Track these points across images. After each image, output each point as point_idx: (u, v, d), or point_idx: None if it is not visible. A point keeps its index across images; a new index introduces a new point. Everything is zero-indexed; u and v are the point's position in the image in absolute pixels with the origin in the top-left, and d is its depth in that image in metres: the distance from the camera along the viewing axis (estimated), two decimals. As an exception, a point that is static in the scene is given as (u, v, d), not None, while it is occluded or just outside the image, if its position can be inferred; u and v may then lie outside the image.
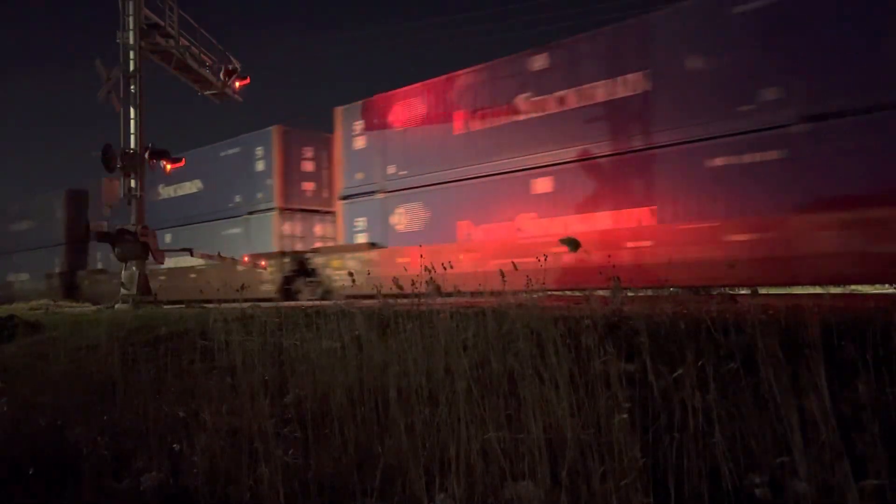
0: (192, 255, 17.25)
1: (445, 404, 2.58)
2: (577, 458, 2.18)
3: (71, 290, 22.26)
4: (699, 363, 2.49)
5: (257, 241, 17.04)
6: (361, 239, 14.81)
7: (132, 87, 14.59)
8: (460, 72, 13.47)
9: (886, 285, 10.14)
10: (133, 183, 14.64)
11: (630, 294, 4.85)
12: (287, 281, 15.56)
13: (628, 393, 2.47)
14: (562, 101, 11.69)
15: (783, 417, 2.18)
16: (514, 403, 2.55)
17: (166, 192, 18.63)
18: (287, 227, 17.45)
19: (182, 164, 15.85)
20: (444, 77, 13.61)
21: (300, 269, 15.61)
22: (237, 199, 18.09)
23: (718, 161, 9.72)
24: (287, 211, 17.32)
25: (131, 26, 14.64)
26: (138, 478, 3.07)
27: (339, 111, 15.75)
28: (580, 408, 2.37)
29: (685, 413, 2.33)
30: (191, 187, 18.34)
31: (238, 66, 17.22)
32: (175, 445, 3.26)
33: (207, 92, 17.06)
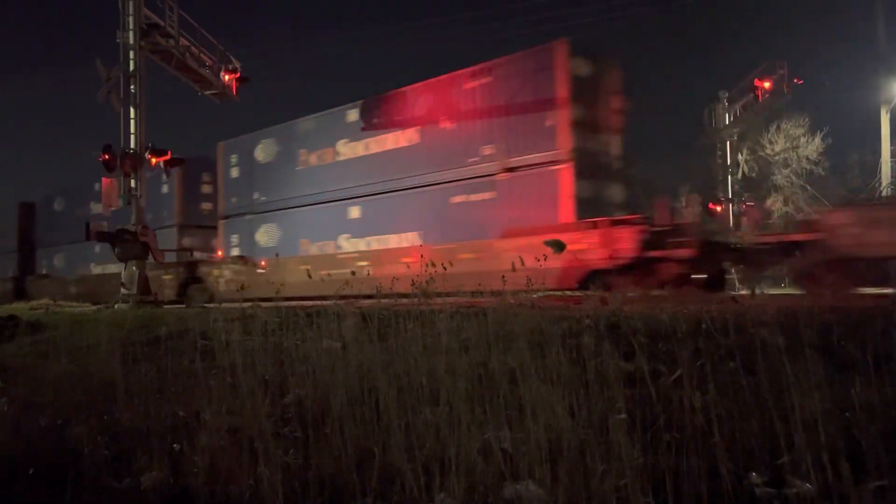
0: (191, 255, 17.32)
1: (445, 404, 2.58)
2: (577, 458, 2.18)
3: (20, 292, 23.39)
4: (699, 363, 2.50)
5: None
6: (236, 252, 18.12)
7: (132, 87, 14.61)
8: (300, 119, 17.26)
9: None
10: (133, 183, 14.64)
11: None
12: (183, 286, 16.90)
13: (628, 393, 2.47)
14: (367, 146, 15.25)
15: (783, 417, 2.18)
16: (514, 403, 2.55)
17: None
18: (187, 241, 19.44)
19: (182, 164, 15.87)
20: (288, 122, 17.49)
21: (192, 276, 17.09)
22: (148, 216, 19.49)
23: (456, 199, 13.33)
24: (186, 227, 20.45)
25: (131, 26, 14.67)
26: (138, 477, 3.07)
27: (220, 146, 19.39)
28: (580, 408, 2.37)
29: (685, 413, 2.33)
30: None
31: (238, 65, 17.24)
32: (175, 445, 3.26)
33: (207, 92, 17.09)
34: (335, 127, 15.80)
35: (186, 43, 15.92)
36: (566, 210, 11.77)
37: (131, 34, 14.66)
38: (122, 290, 14.64)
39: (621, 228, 10.70)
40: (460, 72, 13.62)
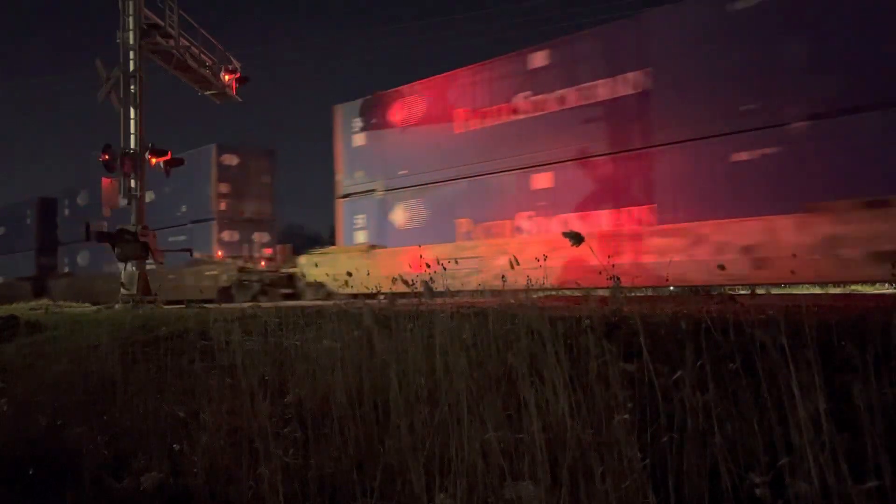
0: (191, 255, 17.30)
1: (445, 404, 2.58)
2: (577, 458, 2.18)
3: (41, 292, 23.19)
4: (699, 363, 2.50)
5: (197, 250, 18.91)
6: (362, 237, 14.84)
7: (132, 87, 14.61)
8: (458, 70, 13.68)
9: (886, 285, 10.20)
10: (133, 183, 14.65)
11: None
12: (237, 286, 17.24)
13: (628, 393, 2.47)
14: (562, 99, 11.76)
15: (783, 417, 2.18)
16: (514, 403, 2.55)
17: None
18: (226, 235, 18.99)
19: (182, 164, 15.87)
20: (440, 75, 13.86)
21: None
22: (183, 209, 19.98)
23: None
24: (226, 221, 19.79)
25: (131, 26, 14.67)
26: (138, 477, 3.07)
27: (338, 109, 15.72)
28: (580, 408, 2.37)
29: (685, 413, 2.33)
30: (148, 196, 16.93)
31: (238, 66, 17.25)
32: (175, 445, 3.26)
33: (207, 92, 17.11)
34: (512, 77, 12.10)
35: (186, 43, 15.92)
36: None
37: (131, 34, 14.67)
38: (122, 291, 14.64)
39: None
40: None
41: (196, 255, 17.91)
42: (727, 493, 2.14)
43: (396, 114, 14.37)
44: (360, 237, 14.81)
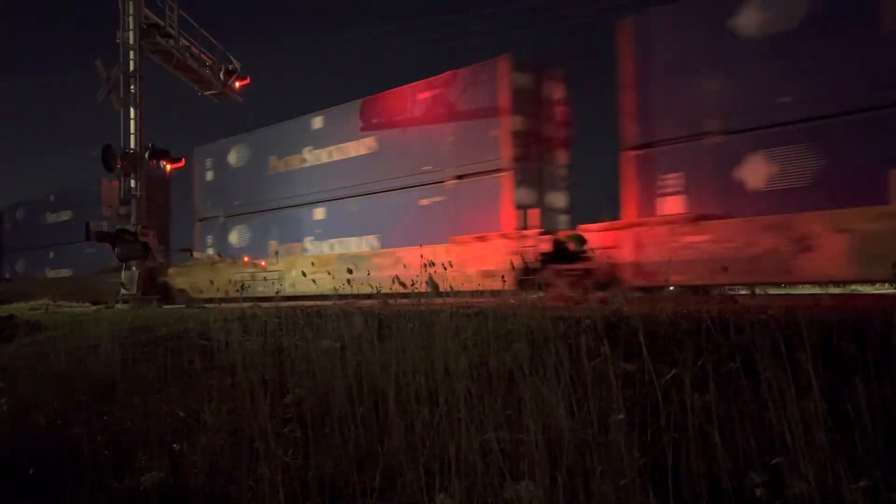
0: (191, 255, 17.31)
1: (445, 404, 2.58)
2: (577, 458, 2.19)
3: None
4: (698, 363, 2.50)
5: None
6: (210, 252, 18.25)
7: (132, 87, 14.61)
8: (268, 127, 17.41)
9: (886, 285, 10.19)
10: (133, 183, 14.65)
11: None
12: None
13: (627, 393, 2.47)
14: (330, 154, 15.33)
15: (782, 417, 2.18)
16: (514, 403, 2.55)
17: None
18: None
19: (182, 164, 15.88)
20: (258, 129, 17.64)
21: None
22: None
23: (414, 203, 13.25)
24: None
25: (131, 26, 14.67)
26: (138, 477, 3.07)
27: (196, 151, 19.12)
28: (579, 408, 2.38)
29: (685, 413, 2.33)
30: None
31: (238, 66, 17.25)
32: (175, 445, 3.26)
33: (207, 92, 17.11)
34: (301, 134, 16.26)
35: (186, 43, 15.93)
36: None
37: (131, 34, 14.67)
38: (122, 291, 14.64)
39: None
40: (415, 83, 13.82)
41: (196, 254, 17.93)
42: (727, 493, 2.14)
43: (232, 157, 18.28)
44: (211, 252, 18.35)
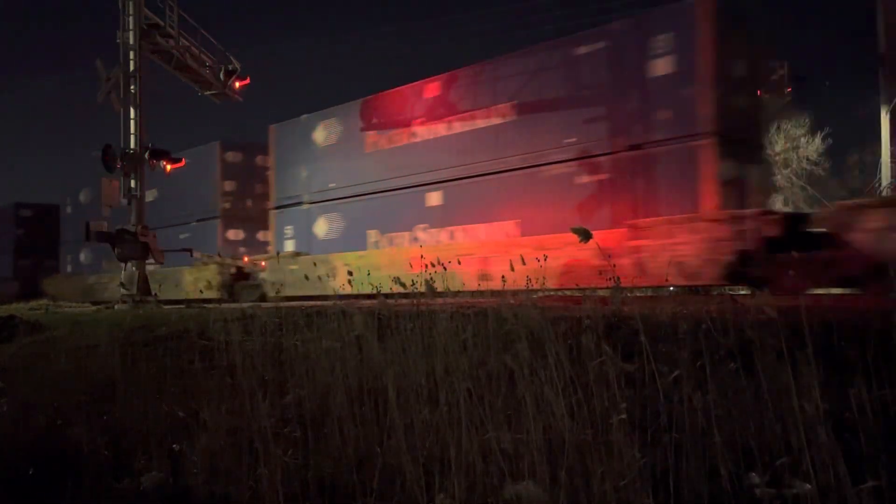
0: (191, 255, 17.29)
1: (445, 404, 2.58)
2: (577, 458, 2.19)
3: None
4: (699, 363, 2.50)
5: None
6: (291, 246, 15.67)
7: (132, 87, 14.61)
8: (369, 97, 14.84)
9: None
10: (133, 183, 14.65)
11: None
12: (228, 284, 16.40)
13: (628, 393, 2.47)
14: (450, 126, 13.31)
15: (782, 418, 2.18)
16: (514, 403, 2.55)
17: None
18: (231, 234, 18.67)
19: (182, 164, 15.88)
20: (355, 101, 14.98)
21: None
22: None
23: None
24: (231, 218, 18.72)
25: (131, 26, 14.67)
26: (138, 478, 3.07)
27: (272, 129, 16.82)
28: (579, 408, 2.37)
29: (685, 413, 2.33)
30: (148, 196, 16.73)
31: (238, 66, 17.24)
32: (175, 445, 3.26)
33: (207, 92, 17.10)
34: (412, 104, 13.47)
35: (186, 43, 15.93)
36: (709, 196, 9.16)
37: (131, 34, 14.67)
38: (122, 291, 14.64)
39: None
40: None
41: (196, 254, 17.91)
42: (727, 493, 2.14)
43: (320, 134, 15.61)
44: (290, 245, 15.81)
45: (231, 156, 18.65)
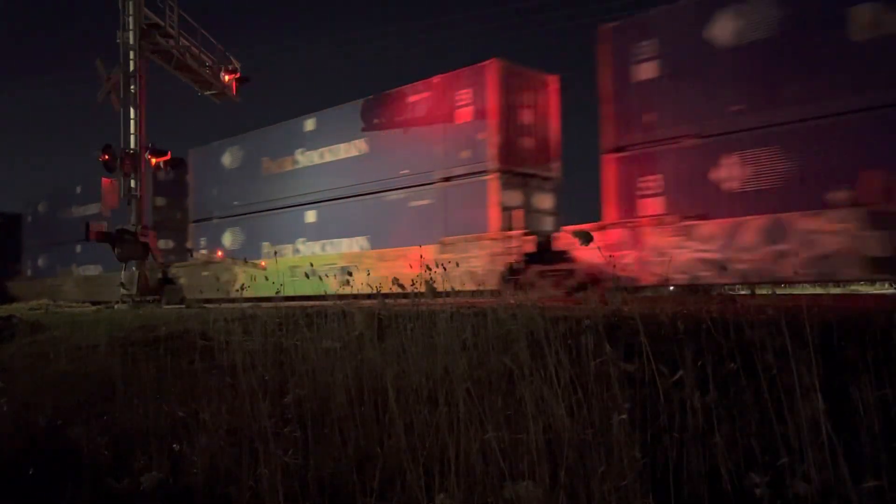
0: (191, 256, 17.31)
1: (445, 404, 2.58)
2: (577, 458, 2.18)
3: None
4: (699, 363, 2.50)
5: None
6: (650, 205, 14.29)
7: (132, 87, 14.61)
8: (262, 129, 17.17)
9: (886, 285, 10.22)
10: (133, 183, 14.65)
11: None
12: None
13: (627, 393, 2.47)
14: (322, 155, 15.42)
15: (783, 418, 2.18)
16: (514, 403, 2.55)
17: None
18: (162, 243, 19.16)
19: (182, 163, 15.89)
20: (252, 131, 17.34)
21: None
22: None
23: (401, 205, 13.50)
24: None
25: (131, 26, 14.68)
26: (138, 478, 3.07)
27: (190, 153, 18.88)
28: (579, 408, 2.37)
29: (685, 413, 2.33)
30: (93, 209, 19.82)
31: (238, 66, 17.25)
32: (175, 445, 3.26)
33: (207, 92, 17.12)
34: (293, 137, 16.16)
35: (186, 43, 15.93)
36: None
37: (131, 34, 14.67)
38: (122, 291, 14.64)
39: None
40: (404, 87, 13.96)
41: (196, 254, 17.92)
42: (727, 493, 2.14)
43: (226, 158, 18.03)
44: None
45: (162, 174, 20.07)
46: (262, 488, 2.63)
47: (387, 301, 5.02)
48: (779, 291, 9.64)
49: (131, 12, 14.65)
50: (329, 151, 15.32)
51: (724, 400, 2.42)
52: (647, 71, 10.11)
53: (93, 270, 22.68)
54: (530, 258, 11.11)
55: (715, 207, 9.23)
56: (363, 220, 14.33)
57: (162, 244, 19.63)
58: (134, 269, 14.67)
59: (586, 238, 2.55)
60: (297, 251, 15.73)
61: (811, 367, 2.13)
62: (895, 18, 7.91)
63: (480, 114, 12.14)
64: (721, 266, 8.48)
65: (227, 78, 17.05)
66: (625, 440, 2.15)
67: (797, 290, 10.33)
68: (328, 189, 15.24)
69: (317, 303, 7.58)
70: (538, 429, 2.29)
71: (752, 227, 8.73)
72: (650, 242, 9.67)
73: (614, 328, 3.64)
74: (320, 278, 12.04)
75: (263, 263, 16.07)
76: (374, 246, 13.94)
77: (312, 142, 15.71)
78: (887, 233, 7.53)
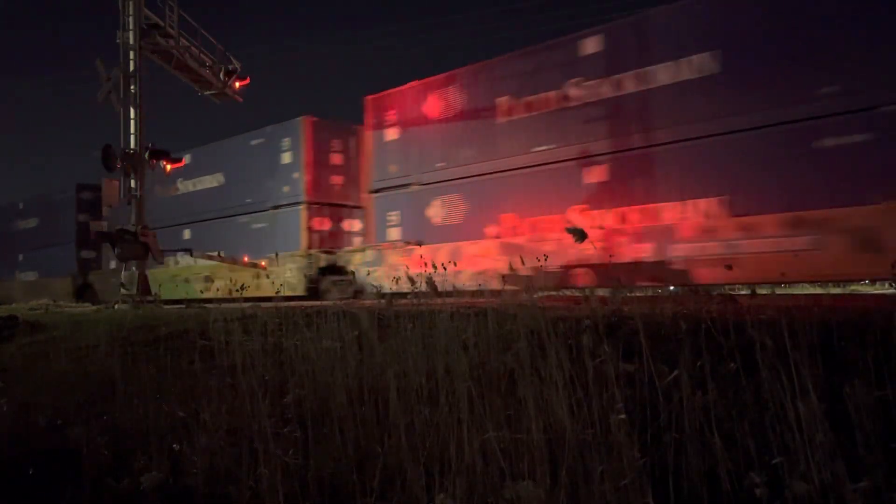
0: (192, 256, 17.31)
1: (445, 404, 2.58)
2: (577, 458, 2.19)
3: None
4: (699, 363, 2.50)
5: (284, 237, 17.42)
6: (395, 234, 13.78)
7: (132, 87, 14.60)
8: (499, 57, 12.49)
9: (886, 285, 10.22)
10: (133, 183, 14.65)
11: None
12: (313, 280, 15.98)
13: (628, 393, 2.47)
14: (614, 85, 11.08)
15: (782, 418, 2.18)
16: (514, 403, 2.55)
17: (185, 186, 19.33)
18: (316, 223, 17.01)
19: (182, 164, 15.90)
20: (482, 62, 12.69)
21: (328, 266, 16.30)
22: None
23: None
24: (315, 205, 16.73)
25: (131, 26, 14.66)
26: (138, 478, 3.07)
27: (369, 101, 14.73)
28: (580, 408, 2.38)
29: (685, 413, 2.33)
30: (213, 181, 19.72)
31: (238, 66, 17.24)
32: (175, 445, 3.26)
33: (207, 92, 17.09)
34: (561, 63, 11.04)
35: (186, 43, 15.92)
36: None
37: (131, 34, 14.66)
38: (122, 291, 14.64)
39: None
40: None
41: (196, 254, 17.92)
42: (727, 493, 2.14)
43: (434, 105, 13.28)
44: (394, 233, 13.83)
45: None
46: (262, 488, 2.63)
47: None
48: (778, 291, 9.63)
49: (131, 12, 14.63)
50: (199, 182, 18.65)
51: (724, 400, 2.43)
52: (391, 133, 14.17)
53: (31, 276, 24.42)
54: (328, 270, 14.99)
55: (429, 236, 13.03)
56: (223, 238, 17.38)
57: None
58: (134, 269, 14.66)
59: (581, 235, 2.81)
60: (176, 262, 18.37)
61: (817, 367, 2.13)
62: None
63: (297, 157, 15.84)
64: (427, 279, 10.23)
65: (226, 78, 17.03)
66: (625, 440, 2.15)
67: (797, 290, 10.33)
68: (200, 212, 18.40)
69: (315, 303, 7.57)
70: (538, 429, 2.29)
71: (444, 250, 12.31)
72: (389, 260, 13.42)
73: (614, 328, 3.65)
74: (188, 282, 15.48)
75: (264, 264, 16.07)
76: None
77: (188, 172, 18.44)
78: (509, 257, 10.53)
